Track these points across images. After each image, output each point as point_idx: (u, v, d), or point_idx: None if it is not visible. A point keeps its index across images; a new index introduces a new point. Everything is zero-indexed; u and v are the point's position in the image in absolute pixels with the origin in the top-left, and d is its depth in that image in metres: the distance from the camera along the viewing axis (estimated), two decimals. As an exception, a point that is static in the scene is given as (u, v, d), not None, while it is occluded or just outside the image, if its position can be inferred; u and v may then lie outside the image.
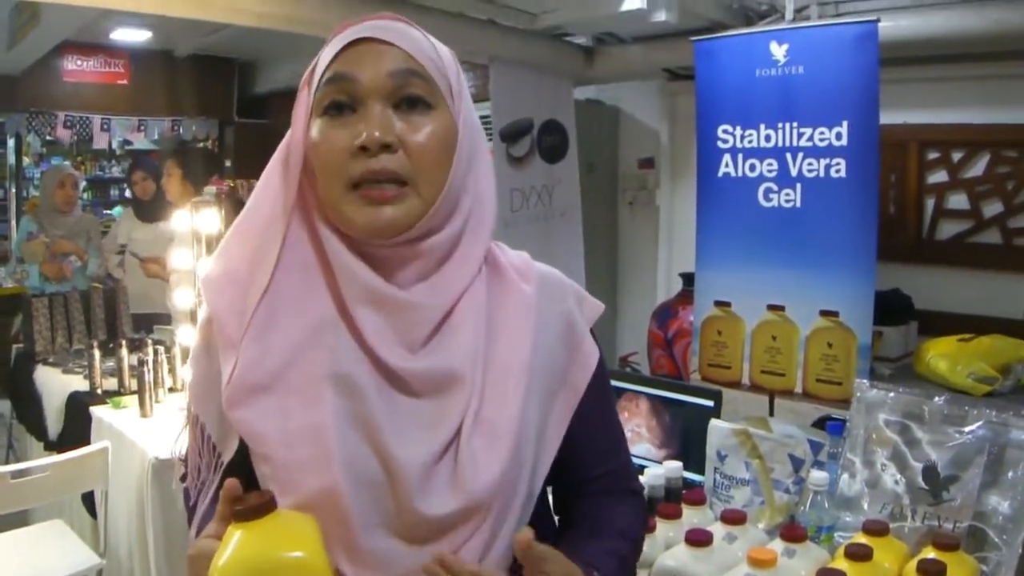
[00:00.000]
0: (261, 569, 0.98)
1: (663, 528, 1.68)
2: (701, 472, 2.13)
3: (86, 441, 3.54)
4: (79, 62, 8.21)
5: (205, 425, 1.17)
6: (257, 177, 1.19)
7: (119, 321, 4.84)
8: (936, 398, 1.81)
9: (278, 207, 1.13)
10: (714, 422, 2.11)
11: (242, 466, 1.12)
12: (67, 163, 9.37)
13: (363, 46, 1.10)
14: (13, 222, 8.35)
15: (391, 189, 1.07)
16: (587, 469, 1.27)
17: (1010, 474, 1.66)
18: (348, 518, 1.05)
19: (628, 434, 2.56)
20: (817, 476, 1.79)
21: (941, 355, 3.87)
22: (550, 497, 1.33)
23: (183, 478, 1.25)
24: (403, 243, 1.09)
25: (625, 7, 4.33)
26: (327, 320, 1.10)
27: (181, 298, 3.99)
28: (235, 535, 0.99)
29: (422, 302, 1.10)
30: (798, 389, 3.78)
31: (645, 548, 1.62)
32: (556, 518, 1.34)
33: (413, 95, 1.09)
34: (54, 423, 4.22)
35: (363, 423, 1.07)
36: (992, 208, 4.59)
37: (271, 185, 1.15)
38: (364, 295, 1.09)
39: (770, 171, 3.82)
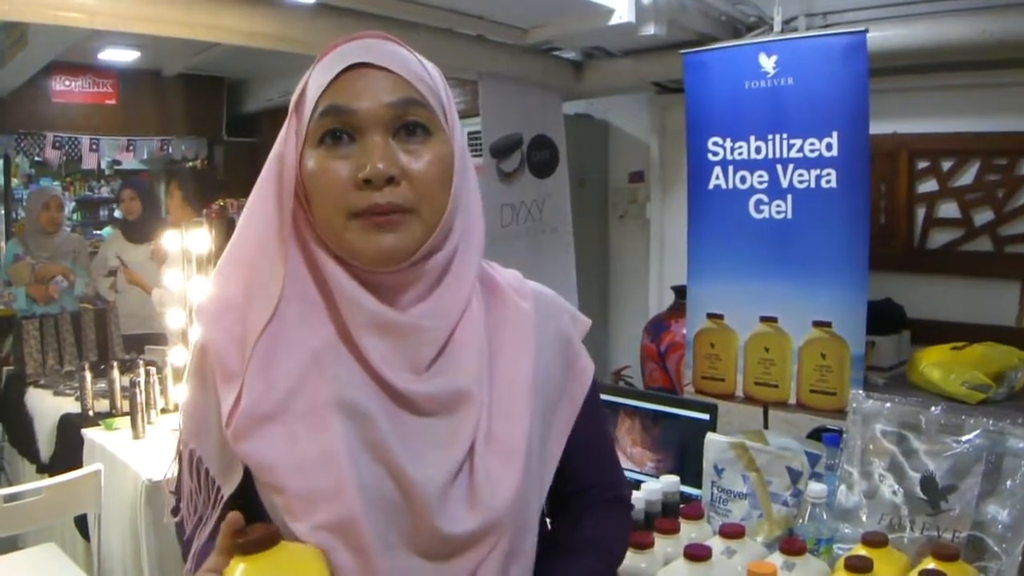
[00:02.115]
0: None
1: (661, 543, 1.67)
2: (698, 486, 2.12)
3: (78, 464, 3.52)
4: (67, 82, 8.19)
5: (202, 459, 1.15)
6: (247, 196, 1.18)
7: (110, 342, 4.83)
8: (933, 408, 1.80)
9: (271, 234, 1.12)
10: (710, 436, 2.10)
11: (238, 499, 1.12)
12: (55, 184, 9.35)
13: (357, 72, 1.08)
14: (2, 243, 8.32)
15: (393, 218, 1.07)
16: (580, 480, 1.31)
17: (1008, 483, 1.65)
18: (366, 543, 1.05)
19: (624, 449, 2.56)
20: (815, 488, 1.78)
21: (934, 364, 3.87)
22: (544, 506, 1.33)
23: (174, 511, 1.23)
24: (405, 268, 1.10)
25: (614, 21, 4.33)
26: (329, 347, 1.10)
27: (173, 319, 3.98)
28: (239, 568, 0.97)
29: (426, 324, 1.11)
30: (792, 400, 3.78)
31: (643, 564, 1.61)
32: (548, 522, 1.36)
33: (412, 123, 1.09)
34: (46, 446, 4.20)
35: (374, 447, 1.07)
36: (983, 216, 4.60)
37: (262, 211, 1.13)
38: (368, 321, 1.09)
39: (761, 183, 3.83)
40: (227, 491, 1.13)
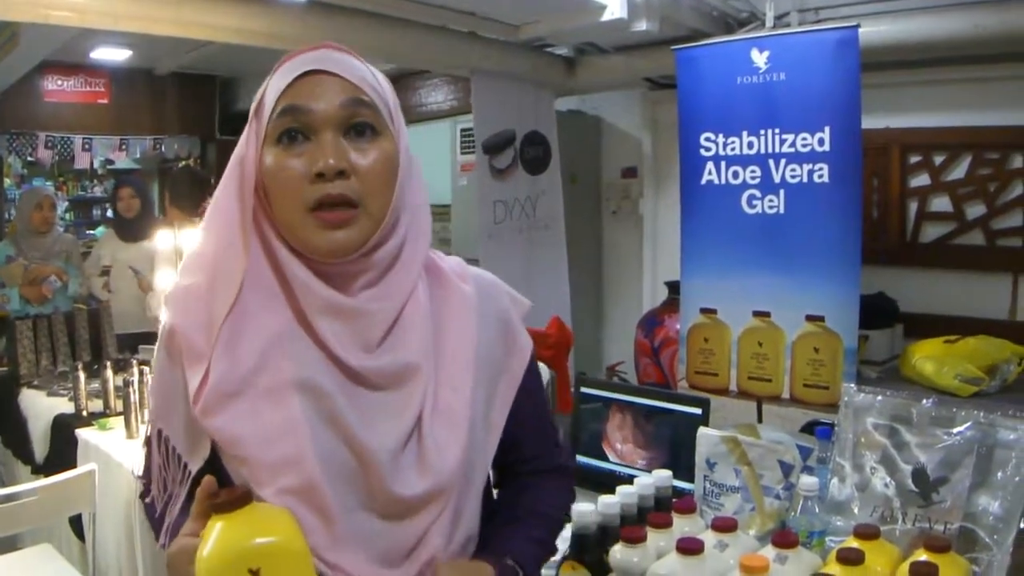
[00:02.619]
0: (243, 554, 1.04)
1: (654, 537, 1.67)
2: (690, 480, 2.12)
3: (73, 464, 3.51)
4: (59, 82, 8.18)
5: (169, 438, 1.24)
6: None
7: (104, 342, 4.81)
8: (924, 400, 1.81)
9: (234, 228, 1.21)
10: (702, 430, 2.10)
11: (205, 474, 1.16)
12: (47, 184, 9.33)
13: (313, 78, 1.19)
14: (-5, 243, 8.31)
15: (345, 212, 1.16)
16: (522, 450, 1.42)
17: (999, 474, 1.66)
18: (327, 506, 1.17)
19: (617, 444, 2.57)
20: (807, 481, 1.79)
21: (927, 357, 3.88)
22: (490, 474, 1.42)
23: (144, 494, 1.34)
24: (356, 258, 1.20)
25: (606, 17, 4.34)
26: (287, 330, 1.20)
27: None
28: (216, 527, 1.05)
29: (373, 307, 1.22)
30: (785, 395, 3.79)
31: (636, 559, 1.62)
32: (494, 493, 1.47)
33: (361, 123, 1.19)
34: (40, 446, 4.19)
35: (331, 419, 1.18)
36: (975, 210, 4.61)
37: (226, 207, 1.23)
38: (322, 306, 1.19)
39: (753, 178, 3.84)
40: (194, 467, 1.22)
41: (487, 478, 1.35)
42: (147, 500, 1.32)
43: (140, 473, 1.36)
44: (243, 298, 1.20)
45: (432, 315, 1.28)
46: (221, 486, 1.12)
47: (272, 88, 1.21)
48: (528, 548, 1.36)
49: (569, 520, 1.57)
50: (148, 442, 1.30)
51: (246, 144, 1.22)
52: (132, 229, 5.32)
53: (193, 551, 1.05)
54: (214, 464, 1.21)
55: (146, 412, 3.37)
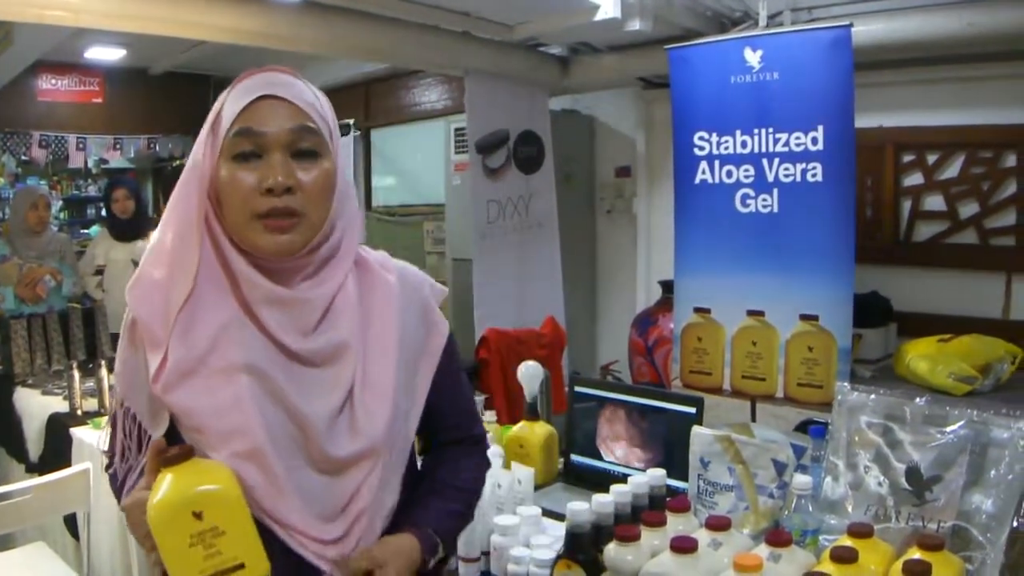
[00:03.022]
0: (188, 500, 1.23)
1: (648, 536, 1.68)
2: (684, 479, 2.13)
3: (67, 463, 3.51)
4: (53, 81, 8.18)
5: (135, 414, 1.42)
6: None
7: (98, 341, 4.81)
8: (917, 399, 1.82)
9: (190, 227, 1.38)
10: (696, 429, 2.11)
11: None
12: (41, 183, 9.31)
13: (266, 102, 1.36)
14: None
15: (288, 220, 1.35)
16: (441, 419, 1.60)
17: (992, 473, 1.67)
18: (272, 467, 1.35)
19: (611, 443, 2.57)
20: (801, 480, 1.79)
21: (921, 356, 3.89)
22: (415, 444, 1.61)
23: (108, 467, 1.53)
24: (295, 258, 1.39)
25: (599, 17, 4.34)
26: (235, 319, 1.38)
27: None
28: (165, 478, 1.24)
29: (310, 296, 1.41)
30: (779, 394, 3.80)
31: (630, 557, 1.63)
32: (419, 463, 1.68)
33: (306, 148, 1.37)
34: (34, 445, 4.19)
35: (274, 394, 1.37)
36: (968, 209, 4.61)
37: (182, 208, 1.40)
38: (263, 297, 1.38)
39: (747, 177, 3.84)
40: (155, 435, 1.38)
41: (412, 447, 1.54)
42: (111, 471, 1.51)
43: (105, 448, 1.53)
44: (196, 290, 1.37)
45: (360, 302, 1.47)
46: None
47: (228, 108, 1.37)
48: (447, 522, 1.54)
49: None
50: (114, 418, 1.48)
51: (202, 153, 1.38)
52: (127, 229, 5.33)
53: (145, 502, 1.23)
54: (172, 435, 1.36)
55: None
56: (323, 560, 1.39)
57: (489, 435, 2.44)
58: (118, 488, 1.45)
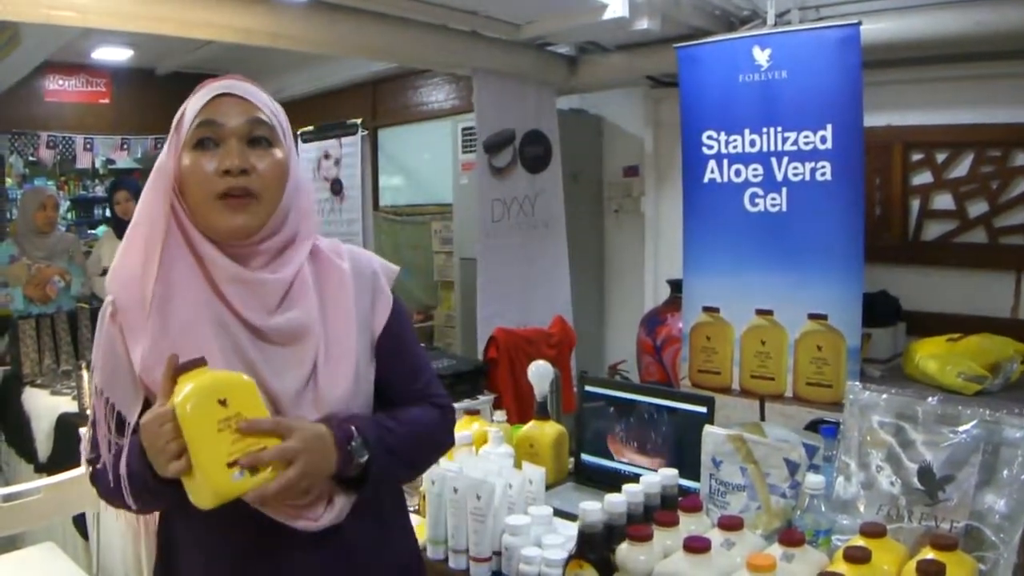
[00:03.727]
0: (212, 388, 1.34)
1: (660, 536, 1.68)
2: (696, 479, 2.12)
3: (76, 463, 3.50)
4: (61, 82, 8.20)
5: (114, 404, 1.50)
6: None
7: (106, 341, 4.81)
8: (930, 399, 1.81)
9: (159, 218, 1.52)
10: (708, 428, 2.10)
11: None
12: (49, 184, 9.32)
13: (225, 99, 1.54)
14: (-3, 243, 8.29)
15: (244, 199, 1.50)
16: (395, 388, 1.67)
17: (1005, 472, 1.66)
18: None
19: (622, 442, 2.57)
20: (813, 480, 1.79)
21: (930, 355, 3.88)
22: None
23: (91, 461, 1.59)
24: (254, 242, 1.53)
25: (607, 16, 4.34)
26: (205, 298, 1.50)
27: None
28: (185, 383, 1.34)
29: (269, 278, 1.53)
30: (788, 393, 3.79)
31: (643, 557, 1.62)
32: None
33: (260, 136, 1.54)
34: (43, 445, 4.19)
35: (247, 368, 1.47)
36: (977, 208, 4.61)
37: (151, 201, 1.54)
38: (228, 277, 1.50)
39: (755, 176, 3.83)
40: (132, 418, 1.47)
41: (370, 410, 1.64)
42: (98, 466, 1.55)
43: (87, 448, 1.60)
44: (169, 274, 1.50)
45: (316, 287, 1.59)
46: None
47: (191, 106, 1.55)
48: (374, 428, 1.55)
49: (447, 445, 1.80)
50: (93, 414, 1.55)
51: (167, 152, 1.55)
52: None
53: (162, 415, 1.33)
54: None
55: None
56: (294, 520, 1.48)
57: (499, 434, 2.45)
58: (112, 478, 1.49)
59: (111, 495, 1.53)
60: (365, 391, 1.61)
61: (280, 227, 1.56)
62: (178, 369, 1.36)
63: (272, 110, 1.58)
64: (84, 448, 1.62)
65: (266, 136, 1.54)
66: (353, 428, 1.50)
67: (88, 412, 1.60)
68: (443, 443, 1.77)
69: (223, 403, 1.34)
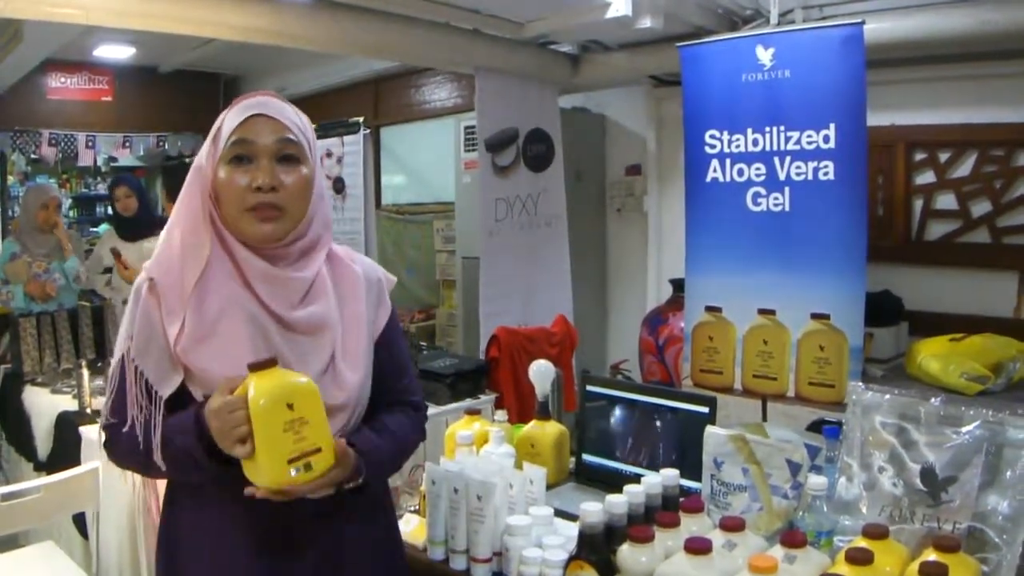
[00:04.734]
0: (285, 393, 1.52)
1: (661, 537, 1.67)
2: (698, 479, 2.12)
3: (76, 461, 3.51)
4: (63, 79, 8.19)
5: (144, 372, 1.66)
6: None
7: (107, 339, 4.81)
8: (932, 399, 1.80)
9: (197, 219, 1.70)
10: (710, 429, 2.10)
11: (171, 399, 1.66)
12: (52, 182, 9.32)
13: (258, 119, 1.68)
14: (-1, 241, 8.31)
15: (272, 212, 1.67)
16: (382, 383, 1.86)
17: (1008, 473, 1.65)
18: None
19: (623, 443, 2.56)
20: (815, 480, 1.78)
21: (933, 355, 3.87)
22: None
23: (111, 421, 1.71)
24: (281, 246, 1.71)
25: (610, 14, 4.33)
26: (238, 293, 1.69)
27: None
28: (255, 380, 1.52)
29: (294, 276, 1.72)
30: (791, 393, 3.78)
31: (644, 558, 1.62)
32: None
33: (289, 154, 1.70)
34: (43, 444, 4.19)
35: (275, 353, 1.63)
36: (980, 207, 4.60)
37: (189, 203, 1.72)
38: (258, 275, 1.69)
39: (758, 175, 3.82)
40: (165, 392, 1.65)
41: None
42: (124, 429, 1.67)
43: (106, 414, 1.73)
44: (207, 271, 1.67)
45: (333, 286, 1.79)
46: (183, 406, 1.64)
47: (228, 122, 1.69)
48: (377, 457, 1.76)
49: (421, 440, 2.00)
50: (117, 378, 1.71)
51: (206, 159, 1.71)
52: (131, 228, 5.31)
53: (233, 404, 1.51)
54: (179, 395, 1.66)
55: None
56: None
57: (500, 434, 2.44)
58: (142, 441, 1.65)
59: (126, 458, 1.75)
60: (369, 380, 1.81)
61: (304, 233, 1.75)
62: (251, 365, 1.54)
63: (300, 128, 1.74)
64: (103, 414, 1.75)
65: (294, 154, 1.71)
66: (363, 468, 1.70)
67: (107, 382, 1.76)
68: (417, 443, 1.98)
69: (290, 407, 1.52)
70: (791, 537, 1.57)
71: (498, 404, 4.08)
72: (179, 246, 1.70)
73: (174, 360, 1.65)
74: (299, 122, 1.75)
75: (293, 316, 1.71)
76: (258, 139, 1.67)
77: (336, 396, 1.71)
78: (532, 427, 2.63)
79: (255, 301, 1.69)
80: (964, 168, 4.64)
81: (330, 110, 7.31)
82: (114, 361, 1.75)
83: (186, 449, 1.60)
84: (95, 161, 8.83)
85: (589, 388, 2.72)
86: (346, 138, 5.97)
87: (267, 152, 1.67)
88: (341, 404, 1.72)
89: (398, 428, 1.87)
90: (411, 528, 2.27)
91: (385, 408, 1.89)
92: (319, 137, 6.10)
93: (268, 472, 1.52)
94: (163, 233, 1.75)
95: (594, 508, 1.72)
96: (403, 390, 1.95)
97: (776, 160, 3.76)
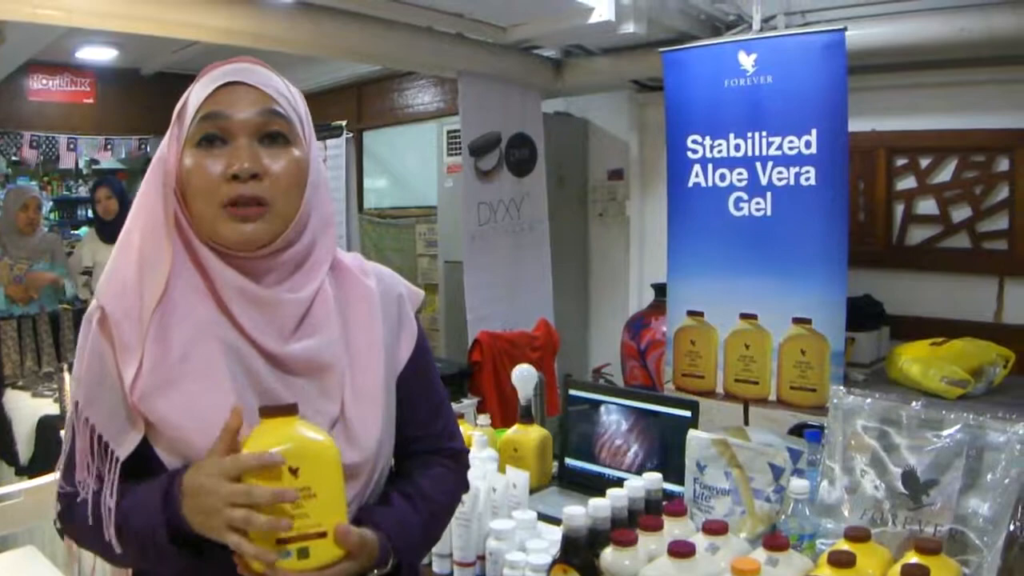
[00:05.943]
0: (287, 451, 1.15)
1: (644, 541, 1.67)
2: (681, 483, 2.13)
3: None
4: (44, 81, 8.15)
5: (95, 427, 1.28)
6: None
7: (89, 342, 4.78)
8: (913, 403, 1.82)
9: (157, 224, 1.30)
10: (692, 433, 2.11)
11: (137, 464, 1.27)
12: (32, 184, 9.26)
13: (232, 88, 1.30)
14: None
15: (255, 208, 1.27)
16: (412, 428, 1.48)
17: (989, 476, 1.67)
18: None
19: (606, 447, 2.56)
20: (797, 484, 1.79)
21: (914, 359, 3.89)
22: None
23: (64, 511, 1.40)
24: (267, 254, 1.31)
25: (593, 20, 4.34)
26: (212, 318, 1.28)
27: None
28: (265, 428, 1.18)
29: (285, 298, 1.32)
30: (772, 397, 3.80)
31: (627, 562, 1.62)
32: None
33: (275, 131, 1.31)
34: (24, 448, 4.17)
35: (266, 399, 1.27)
36: (961, 213, 4.63)
37: (148, 204, 1.32)
38: (237, 294, 1.28)
39: (740, 180, 3.84)
40: (122, 454, 1.26)
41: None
42: (67, 489, 1.36)
43: (62, 478, 1.41)
44: (170, 291, 1.28)
45: (339, 308, 1.38)
46: (149, 471, 1.25)
47: (194, 96, 1.32)
48: (402, 534, 1.36)
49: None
50: (71, 437, 1.34)
51: (167, 147, 1.33)
52: (112, 230, 5.28)
53: (227, 468, 1.15)
54: (141, 456, 1.26)
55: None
56: None
57: (483, 438, 2.44)
58: (92, 517, 1.29)
59: (85, 537, 1.36)
60: (390, 427, 1.42)
61: (297, 238, 1.34)
62: (264, 411, 1.20)
63: (290, 99, 1.35)
64: (59, 476, 1.41)
65: (282, 132, 1.31)
66: (390, 552, 1.31)
67: (63, 433, 1.39)
68: (458, 501, 1.60)
69: (294, 472, 1.16)
70: (774, 540, 1.58)
71: (480, 408, 4.09)
72: (136, 259, 1.29)
73: (132, 411, 1.24)
74: (287, 93, 1.37)
75: (285, 351, 1.30)
76: (234, 112, 1.28)
77: (348, 456, 1.28)
78: (515, 431, 2.63)
79: (235, 330, 1.29)
80: (945, 173, 4.67)
81: (312, 114, 7.21)
82: (69, 411, 1.36)
83: (148, 532, 1.21)
84: (77, 164, 8.78)
85: (572, 392, 2.72)
86: (328, 142, 5.96)
87: (246, 129, 1.28)
88: (356, 465, 1.31)
89: (435, 490, 1.48)
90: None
91: (417, 460, 1.51)
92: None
93: (249, 549, 1.13)
94: (117, 242, 1.34)
95: (577, 512, 1.72)
96: (439, 435, 1.54)
97: (758, 165, 3.78)
